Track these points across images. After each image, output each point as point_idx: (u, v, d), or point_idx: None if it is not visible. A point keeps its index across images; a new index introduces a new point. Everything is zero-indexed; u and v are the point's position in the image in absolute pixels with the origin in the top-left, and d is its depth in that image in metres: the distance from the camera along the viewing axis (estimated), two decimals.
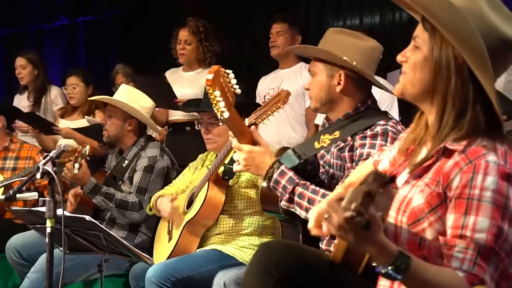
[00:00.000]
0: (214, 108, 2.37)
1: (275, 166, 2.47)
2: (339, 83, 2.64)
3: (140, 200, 3.79)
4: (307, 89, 2.75)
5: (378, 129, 2.52)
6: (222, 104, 2.32)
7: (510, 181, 1.64)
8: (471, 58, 1.66)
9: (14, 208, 3.48)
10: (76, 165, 3.62)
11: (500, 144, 1.70)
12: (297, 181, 2.45)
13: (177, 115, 4.77)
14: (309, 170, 2.68)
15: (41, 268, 3.55)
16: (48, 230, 2.61)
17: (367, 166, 2.19)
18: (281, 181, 2.47)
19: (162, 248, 3.54)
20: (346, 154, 2.58)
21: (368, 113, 2.63)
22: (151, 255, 3.51)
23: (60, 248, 2.86)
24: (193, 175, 3.68)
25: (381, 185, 1.57)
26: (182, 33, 4.85)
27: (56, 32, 7.62)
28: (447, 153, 1.71)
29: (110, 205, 3.75)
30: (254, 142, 2.48)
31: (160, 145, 4.04)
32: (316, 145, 2.62)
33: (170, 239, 3.50)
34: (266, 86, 4.77)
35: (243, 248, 3.37)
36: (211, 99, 2.34)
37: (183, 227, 3.38)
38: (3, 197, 2.83)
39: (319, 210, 1.81)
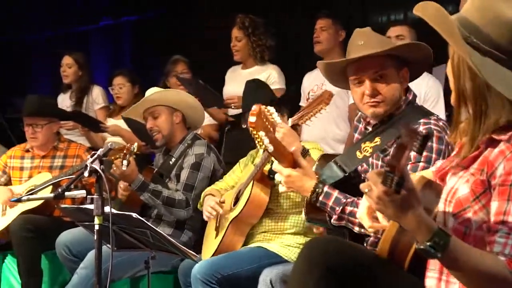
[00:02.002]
0: (257, 145, 2.42)
1: (317, 190, 2.44)
2: (405, 81, 2.59)
3: (187, 197, 3.81)
4: (374, 95, 2.56)
5: (422, 129, 2.45)
6: (266, 141, 2.36)
7: None
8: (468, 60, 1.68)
9: (63, 206, 3.54)
10: (125, 162, 3.65)
11: None
12: (344, 200, 2.42)
13: (235, 112, 4.79)
14: (352, 177, 2.59)
15: (90, 264, 3.60)
16: (96, 227, 2.65)
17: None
18: (328, 203, 2.44)
19: (209, 245, 3.56)
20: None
21: (407, 112, 2.57)
22: (197, 252, 3.53)
23: (108, 245, 2.90)
24: (242, 171, 3.69)
25: (414, 139, 1.53)
26: (234, 30, 4.89)
27: (100, 32, 7.71)
28: (493, 143, 1.71)
29: (157, 202, 3.78)
30: (295, 165, 2.46)
31: (206, 142, 4.06)
32: (359, 154, 2.56)
33: (216, 235, 3.52)
34: (311, 83, 4.74)
35: (289, 246, 3.36)
36: (255, 138, 2.39)
37: (228, 225, 3.39)
38: (52, 195, 2.87)
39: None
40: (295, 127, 3.03)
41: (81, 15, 7.55)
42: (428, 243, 1.57)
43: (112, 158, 3.68)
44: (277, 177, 2.54)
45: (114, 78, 5.42)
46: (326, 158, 2.66)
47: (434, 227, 1.58)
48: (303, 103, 4.82)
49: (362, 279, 1.97)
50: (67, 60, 5.63)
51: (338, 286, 1.94)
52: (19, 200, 2.90)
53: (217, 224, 3.58)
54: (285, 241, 3.38)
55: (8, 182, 4.64)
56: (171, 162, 4.00)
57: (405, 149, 1.48)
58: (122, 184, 3.94)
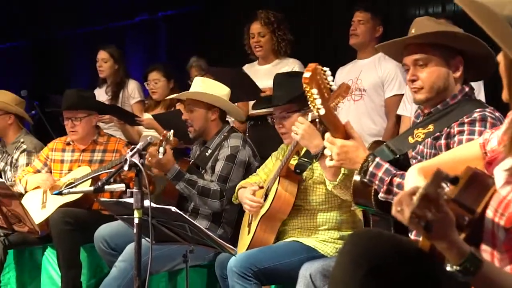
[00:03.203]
0: (310, 105, 2.37)
1: (369, 159, 2.43)
2: (456, 70, 2.55)
3: (221, 188, 3.82)
4: (413, 80, 2.57)
5: (476, 115, 2.43)
6: (318, 101, 2.33)
7: None
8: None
9: (102, 199, 3.57)
10: (161, 149, 3.67)
11: None
12: (394, 172, 2.41)
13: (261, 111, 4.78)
14: (401, 161, 2.58)
15: (129, 258, 3.63)
16: (136, 221, 2.68)
17: (473, 146, 2.12)
18: (378, 173, 2.43)
19: (243, 241, 3.57)
20: (443, 141, 2.48)
21: (463, 103, 2.54)
22: (233, 246, 3.54)
23: (147, 239, 2.92)
24: (273, 165, 3.69)
25: (439, 186, 1.52)
26: (254, 26, 4.86)
27: (136, 27, 7.75)
28: None
29: (192, 192, 3.79)
30: (348, 136, 2.45)
31: (242, 136, 4.07)
32: (410, 139, 2.56)
33: (248, 232, 3.53)
34: (344, 77, 4.70)
35: (324, 241, 3.35)
36: (308, 96, 2.34)
37: (259, 221, 3.40)
38: (92, 188, 2.91)
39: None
40: (315, 122, 3.02)
41: (118, 11, 7.61)
42: (458, 267, 1.56)
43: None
44: (327, 152, 2.50)
45: (150, 73, 5.46)
46: (378, 143, 2.67)
47: (466, 252, 1.56)
48: None
49: (407, 275, 1.95)
50: (102, 54, 5.67)
51: (383, 283, 1.92)
52: (60, 193, 2.93)
53: (250, 221, 3.58)
54: (320, 236, 3.37)
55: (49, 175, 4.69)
56: (207, 154, 4.02)
57: (430, 198, 1.47)
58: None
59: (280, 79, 3.65)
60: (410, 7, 5.75)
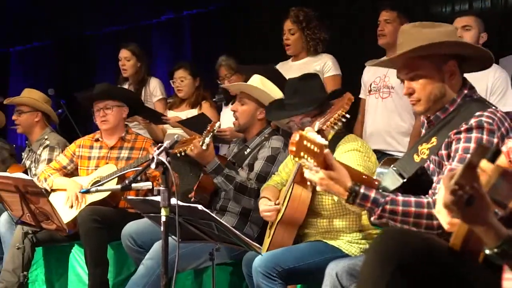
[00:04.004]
0: (305, 170, 2.43)
1: (353, 193, 2.40)
2: (451, 74, 2.54)
3: (258, 187, 3.82)
4: (410, 94, 2.58)
5: (472, 122, 2.41)
6: (313, 165, 2.37)
7: None
8: None
9: (129, 197, 3.59)
10: (207, 139, 3.68)
11: None
12: (382, 200, 2.38)
13: None
14: (419, 175, 2.57)
15: (156, 256, 3.65)
16: (163, 219, 2.69)
17: None
18: (366, 205, 2.41)
19: (265, 243, 3.57)
20: (443, 152, 2.48)
21: (463, 107, 2.52)
22: (260, 245, 3.53)
23: (173, 237, 2.93)
24: (293, 165, 3.67)
25: (483, 156, 1.53)
26: (286, 24, 4.88)
27: (162, 26, 7.79)
28: None
29: (230, 187, 3.79)
30: (327, 167, 2.42)
31: (283, 139, 4.05)
32: (416, 158, 2.54)
33: (269, 234, 3.52)
34: (372, 75, 4.69)
35: (349, 242, 3.34)
36: (302, 164, 2.41)
37: (276, 225, 3.39)
38: (119, 186, 2.92)
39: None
40: (322, 132, 3.03)
41: (143, 10, 7.65)
42: (495, 250, 1.56)
43: (175, 151, 3.72)
44: (310, 177, 2.48)
45: (176, 71, 5.47)
46: (388, 162, 2.66)
47: (504, 235, 1.55)
48: (363, 95, 4.78)
49: (436, 274, 1.94)
50: (124, 53, 5.71)
51: (412, 281, 1.92)
52: (87, 192, 2.95)
53: (271, 223, 3.58)
54: (344, 238, 3.36)
55: (74, 171, 4.73)
56: (245, 152, 4.03)
57: (474, 168, 1.46)
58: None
59: (293, 85, 3.60)
60: (436, 4, 5.71)
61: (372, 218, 2.44)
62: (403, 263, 1.94)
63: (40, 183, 4.43)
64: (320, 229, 3.40)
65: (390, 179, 2.52)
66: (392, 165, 2.59)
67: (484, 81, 4.07)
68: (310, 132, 2.38)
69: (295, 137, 2.33)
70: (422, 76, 2.54)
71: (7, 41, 8.94)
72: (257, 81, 4.06)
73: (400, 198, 2.38)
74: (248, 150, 4.03)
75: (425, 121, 2.70)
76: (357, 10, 5.97)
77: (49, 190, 4.56)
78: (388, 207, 2.37)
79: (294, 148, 2.33)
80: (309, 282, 3.41)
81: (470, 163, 1.47)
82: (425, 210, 2.33)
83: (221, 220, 2.92)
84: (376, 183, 2.53)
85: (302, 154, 2.34)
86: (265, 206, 3.50)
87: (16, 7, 8.35)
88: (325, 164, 2.41)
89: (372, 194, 2.40)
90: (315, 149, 2.35)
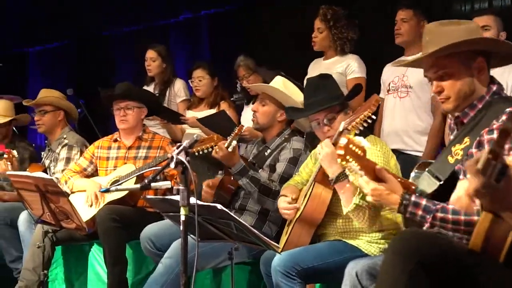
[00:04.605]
0: (349, 175, 2.56)
1: (404, 201, 2.42)
2: (480, 71, 2.53)
3: (281, 189, 3.82)
4: (439, 92, 2.58)
5: (504, 117, 2.39)
6: (357, 169, 2.44)
7: None
8: None
9: (148, 196, 3.61)
10: (234, 142, 3.70)
11: None
12: (433, 208, 2.38)
13: None
14: (454, 177, 2.54)
15: (174, 254, 3.66)
16: (182, 218, 2.69)
17: None
18: (418, 212, 2.41)
19: (282, 240, 3.57)
20: (474, 150, 2.45)
21: (493, 104, 2.51)
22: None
23: (192, 236, 2.93)
24: (313, 165, 3.67)
25: None
26: (316, 22, 4.88)
27: (180, 26, 7.81)
28: None
29: (254, 189, 3.80)
30: (379, 179, 2.47)
31: (304, 140, 4.06)
32: (450, 159, 2.53)
33: (286, 232, 3.52)
34: (391, 74, 4.67)
35: (368, 242, 3.32)
36: (347, 169, 2.50)
37: (294, 224, 3.39)
38: (138, 186, 2.93)
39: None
40: (346, 132, 3.06)
41: (162, 10, 7.67)
42: None
43: (196, 149, 3.73)
44: (364, 190, 2.55)
45: (194, 71, 5.50)
46: (423, 166, 2.65)
47: None
48: (383, 94, 4.76)
49: (455, 274, 1.93)
50: (150, 54, 5.74)
51: (431, 281, 1.91)
52: (107, 191, 2.96)
53: (289, 221, 3.58)
54: (364, 238, 3.34)
55: (94, 172, 4.76)
56: (266, 153, 4.03)
57: (508, 134, 1.43)
58: (206, 182, 3.95)
59: (313, 83, 3.63)
60: (455, 3, 5.67)
61: (424, 228, 2.41)
62: (421, 262, 1.95)
63: (61, 186, 4.48)
64: (338, 229, 3.39)
65: (426, 182, 2.52)
66: (426, 169, 2.58)
67: (504, 78, 4.04)
68: (357, 137, 2.45)
69: (343, 141, 2.40)
70: (451, 74, 2.54)
71: (25, 42, 9.00)
72: (279, 82, 4.06)
73: (450, 206, 2.35)
74: (269, 151, 4.03)
75: (452, 122, 2.69)
76: (375, 9, 5.95)
77: (70, 192, 4.59)
78: (439, 215, 2.36)
79: (342, 152, 2.39)
80: (328, 281, 3.41)
81: (505, 129, 1.45)
82: (475, 218, 2.28)
83: (240, 219, 2.93)
84: (413, 187, 2.54)
85: (348, 157, 2.40)
86: (284, 204, 3.51)
87: (33, 7, 8.41)
88: (373, 174, 2.47)
89: (423, 201, 2.41)
90: (359, 152, 2.41)
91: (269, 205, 3.85)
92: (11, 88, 7.61)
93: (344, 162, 2.41)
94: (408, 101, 4.50)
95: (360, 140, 2.43)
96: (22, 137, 6.19)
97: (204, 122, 5.00)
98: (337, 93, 3.52)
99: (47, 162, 5.22)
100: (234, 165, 3.79)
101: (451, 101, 2.56)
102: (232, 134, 3.75)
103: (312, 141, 4.22)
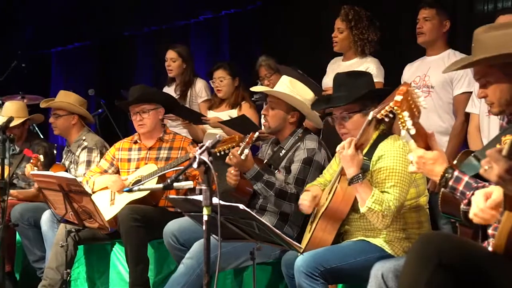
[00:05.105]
0: (400, 125, 2.48)
1: (447, 174, 2.43)
2: None
3: (297, 192, 3.81)
4: (483, 97, 2.66)
5: None
6: (409, 123, 2.43)
7: None
8: None
9: (171, 196, 3.63)
10: (246, 150, 3.69)
11: None
12: (475, 185, 2.38)
13: None
14: None
15: (195, 255, 3.68)
16: (205, 218, 2.70)
17: None
18: (458, 187, 2.42)
19: (305, 237, 3.56)
20: None
21: None
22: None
23: (215, 236, 2.93)
24: (338, 165, 3.66)
25: None
26: (336, 21, 4.87)
27: (200, 26, 7.82)
28: None
29: (270, 193, 3.79)
30: (428, 147, 2.49)
31: (317, 138, 4.05)
32: (497, 146, 2.53)
33: (310, 229, 3.51)
34: (412, 74, 4.64)
35: (391, 242, 3.31)
36: (399, 118, 2.47)
37: (318, 220, 3.38)
38: (161, 185, 2.94)
39: None
40: (374, 122, 3.07)
41: (182, 10, 7.69)
42: None
43: (218, 149, 3.74)
44: (410, 156, 2.56)
45: (215, 71, 5.49)
46: (466, 154, 2.69)
47: None
48: None
49: (477, 276, 1.93)
50: (171, 54, 5.75)
51: (452, 283, 1.91)
52: (130, 190, 2.98)
53: (312, 219, 3.57)
54: (386, 237, 3.33)
55: (116, 174, 4.76)
56: (281, 154, 4.02)
57: None
58: (233, 170, 3.96)
59: (340, 79, 3.62)
60: (478, 2, 5.61)
61: (462, 205, 2.42)
62: (443, 266, 1.94)
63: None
64: (361, 226, 3.38)
65: (469, 165, 2.55)
66: (473, 153, 2.63)
67: None
68: (417, 90, 2.47)
69: (403, 88, 2.42)
70: (492, 83, 2.60)
71: (49, 42, 9.08)
72: (286, 84, 4.05)
73: (491, 185, 2.34)
74: (283, 151, 4.02)
75: (506, 117, 2.74)
76: (395, 6, 5.91)
77: (91, 193, 4.62)
78: None
79: (400, 98, 2.41)
80: (351, 281, 3.40)
81: None
82: None
83: (261, 219, 2.93)
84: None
85: (404, 107, 2.41)
86: (304, 196, 3.53)
87: (56, 8, 8.49)
88: (427, 145, 2.49)
89: (466, 177, 2.42)
90: (414, 109, 2.42)
91: (286, 208, 3.84)
92: (35, 88, 7.68)
93: (399, 111, 2.42)
94: (429, 101, 4.46)
95: (419, 95, 2.45)
96: (37, 136, 6.23)
97: (226, 124, 5.00)
98: (360, 92, 3.47)
99: (67, 163, 5.27)
100: (248, 171, 3.79)
101: (495, 107, 2.63)
102: (245, 142, 3.74)
103: (327, 139, 4.22)
